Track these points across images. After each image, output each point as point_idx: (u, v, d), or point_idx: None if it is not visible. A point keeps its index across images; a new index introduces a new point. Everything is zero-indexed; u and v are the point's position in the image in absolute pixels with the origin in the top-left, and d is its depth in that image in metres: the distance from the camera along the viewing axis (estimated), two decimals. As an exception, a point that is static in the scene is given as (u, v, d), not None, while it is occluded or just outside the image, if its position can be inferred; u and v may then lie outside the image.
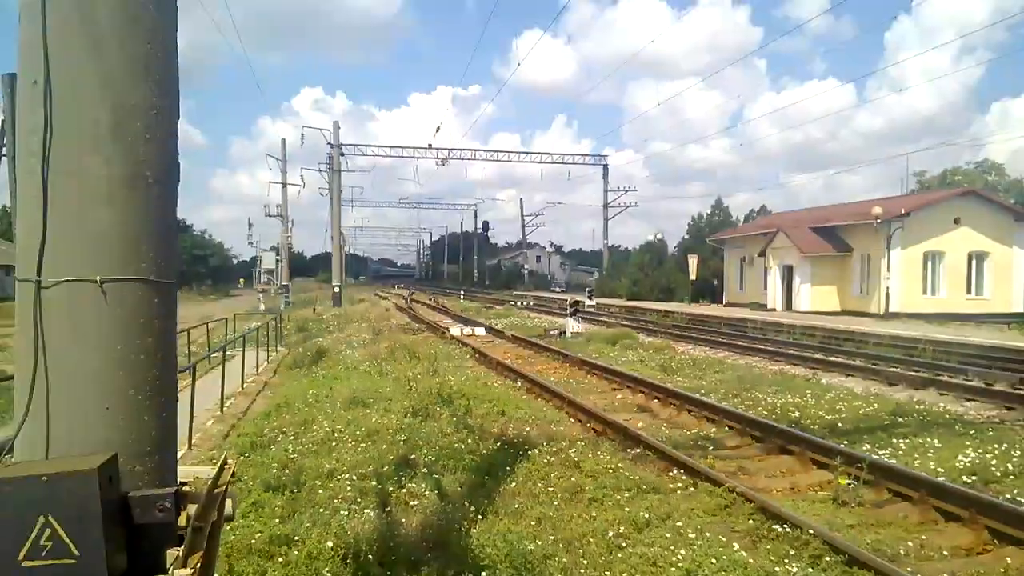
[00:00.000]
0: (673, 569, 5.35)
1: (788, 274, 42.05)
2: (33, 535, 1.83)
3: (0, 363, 13.82)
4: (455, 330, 27.17)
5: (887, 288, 35.58)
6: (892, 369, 16.88)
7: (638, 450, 9.20)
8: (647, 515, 6.57)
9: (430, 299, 57.20)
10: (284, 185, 52.59)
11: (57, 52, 2.06)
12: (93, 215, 2.08)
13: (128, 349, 2.12)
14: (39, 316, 2.05)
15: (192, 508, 2.17)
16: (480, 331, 27.61)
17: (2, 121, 2.42)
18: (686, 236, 65.03)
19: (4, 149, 2.38)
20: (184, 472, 2.45)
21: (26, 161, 2.09)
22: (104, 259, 2.09)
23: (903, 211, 35.57)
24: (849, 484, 7.78)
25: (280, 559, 5.45)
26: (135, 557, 2.03)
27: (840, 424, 10.90)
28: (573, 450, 8.82)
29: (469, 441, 9.21)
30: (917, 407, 12.18)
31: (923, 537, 6.47)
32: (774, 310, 41.12)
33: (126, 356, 2.12)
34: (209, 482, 2.31)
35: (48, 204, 2.05)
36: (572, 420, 11.53)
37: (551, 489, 7.47)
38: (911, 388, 14.78)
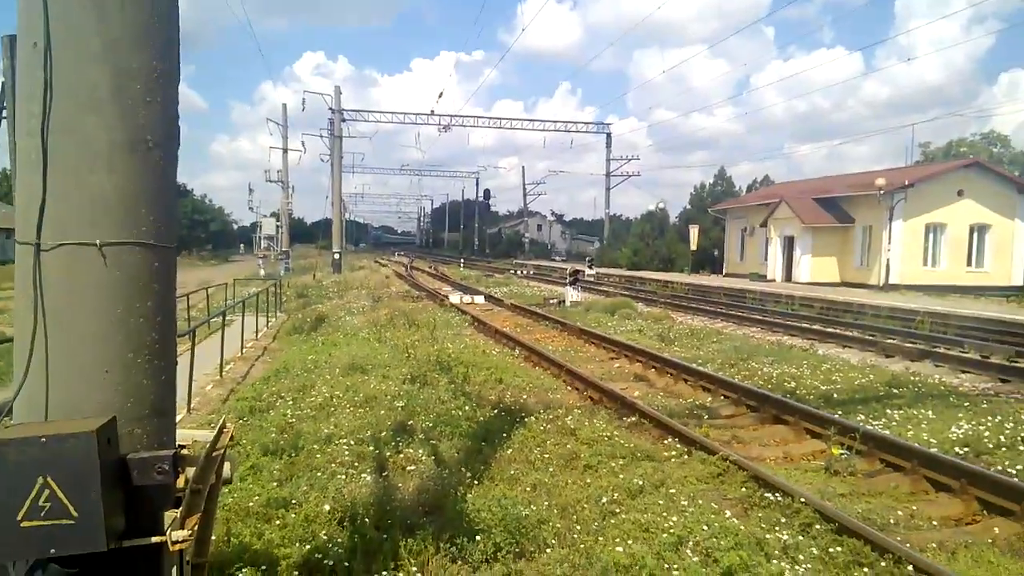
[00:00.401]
0: (665, 535, 5.43)
1: (789, 245, 41.99)
2: (32, 496, 1.86)
3: (1, 326, 13.86)
4: (454, 298, 27.19)
5: (887, 260, 35.55)
6: (889, 340, 16.94)
7: (634, 418, 9.27)
8: (641, 482, 6.65)
9: (430, 267, 57.20)
10: (285, 151, 52.46)
11: (58, 15, 2.05)
12: (93, 179, 2.09)
13: (127, 312, 2.14)
14: (38, 279, 2.07)
15: (190, 471, 2.21)
16: (479, 299, 27.64)
17: (2, 83, 2.41)
18: (688, 206, 64.94)
19: (4, 111, 2.38)
20: (183, 435, 2.49)
21: (26, 124, 2.09)
22: (104, 223, 2.10)
23: (906, 182, 35.41)
24: (842, 454, 7.86)
25: (277, 522, 5.51)
26: (133, 518, 2.06)
27: (835, 395, 10.97)
28: (569, 418, 8.90)
29: (467, 408, 9.27)
30: (912, 378, 12.26)
31: (913, 507, 6.55)
32: (774, 280, 41.14)
33: (125, 319, 2.14)
34: (207, 445, 2.34)
35: (48, 167, 2.06)
36: (569, 388, 11.60)
37: (547, 456, 7.54)
38: (907, 359, 14.85)
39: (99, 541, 1.89)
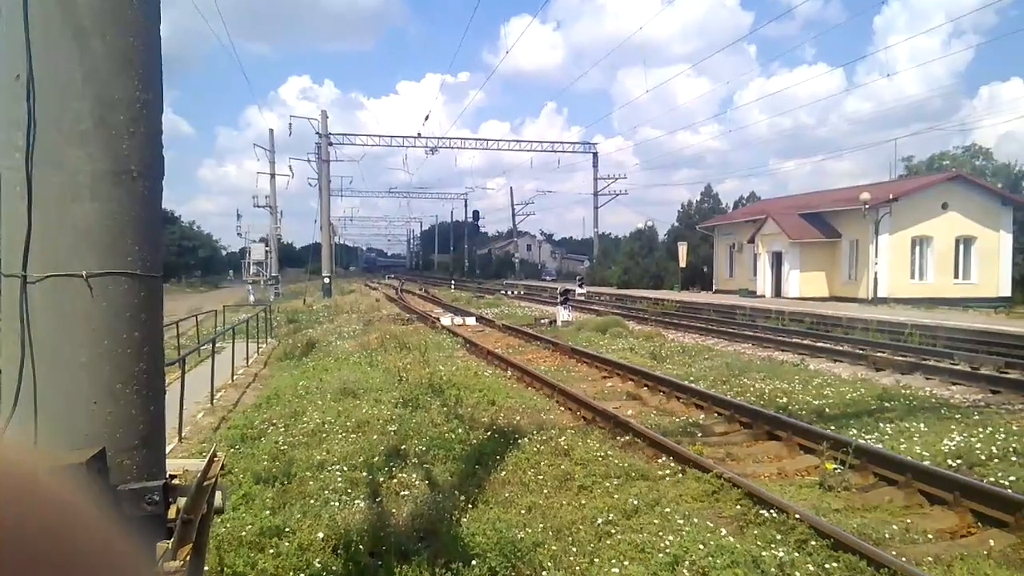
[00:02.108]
0: (661, 555, 5.40)
1: (777, 260, 42.18)
2: (22, 529, 1.84)
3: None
4: (445, 320, 27.14)
5: (875, 273, 35.72)
6: (879, 354, 16.98)
7: (627, 437, 9.25)
8: (636, 502, 6.62)
9: (421, 289, 57.15)
10: (272, 176, 52.46)
11: (40, 46, 2.06)
12: (78, 209, 2.09)
13: (115, 343, 2.14)
14: (25, 311, 2.06)
15: (182, 501, 2.19)
16: (471, 321, 27.60)
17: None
18: (676, 223, 65.03)
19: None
20: (174, 465, 2.47)
21: (10, 156, 2.09)
22: (90, 253, 2.10)
23: (891, 196, 35.67)
24: (836, 469, 7.85)
25: (271, 551, 5.46)
26: (124, 550, 2.04)
27: (827, 409, 10.98)
28: (563, 438, 8.86)
29: (459, 431, 9.24)
30: (903, 391, 12.28)
31: (908, 521, 6.55)
32: (763, 296, 41.27)
33: (113, 350, 2.13)
34: (198, 475, 2.33)
35: (32, 199, 2.05)
36: (562, 408, 11.57)
37: (541, 477, 7.51)
38: (898, 373, 14.88)
39: (89, 575, 1.86)
